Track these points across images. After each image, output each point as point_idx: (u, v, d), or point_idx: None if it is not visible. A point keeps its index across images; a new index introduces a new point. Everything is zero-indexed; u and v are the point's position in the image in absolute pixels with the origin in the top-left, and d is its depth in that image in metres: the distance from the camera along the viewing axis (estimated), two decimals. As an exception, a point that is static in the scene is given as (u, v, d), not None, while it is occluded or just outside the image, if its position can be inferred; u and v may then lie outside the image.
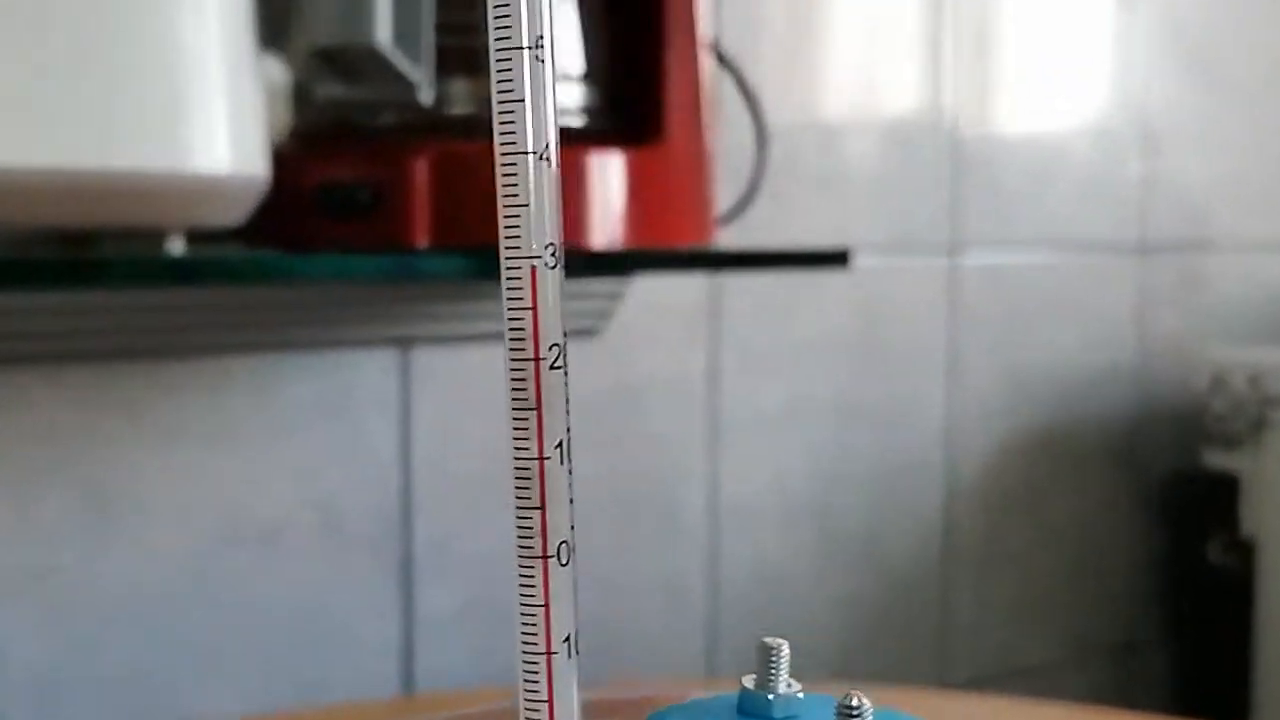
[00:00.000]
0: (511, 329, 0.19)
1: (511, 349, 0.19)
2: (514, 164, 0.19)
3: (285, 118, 0.62)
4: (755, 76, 0.83)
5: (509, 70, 0.20)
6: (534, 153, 0.20)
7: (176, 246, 0.56)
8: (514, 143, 0.19)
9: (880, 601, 0.99)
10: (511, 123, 0.19)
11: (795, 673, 0.22)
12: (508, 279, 0.18)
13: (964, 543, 1.03)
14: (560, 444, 0.19)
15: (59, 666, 0.69)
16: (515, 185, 0.19)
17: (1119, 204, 1.08)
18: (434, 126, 0.63)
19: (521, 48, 0.20)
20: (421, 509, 0.79)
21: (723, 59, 0.80)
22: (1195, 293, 1.14)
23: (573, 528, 0.20)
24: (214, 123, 0.54)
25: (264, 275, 0.61)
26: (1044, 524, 1.07)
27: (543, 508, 0.19)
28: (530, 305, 0.20)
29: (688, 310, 0.88)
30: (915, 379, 0.99)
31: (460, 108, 0.64)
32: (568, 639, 0.19)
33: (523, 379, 0.19)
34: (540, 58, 0.20)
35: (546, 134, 0.19)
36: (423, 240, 0.61)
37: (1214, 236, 1.15)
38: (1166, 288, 1.11)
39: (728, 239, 0.82)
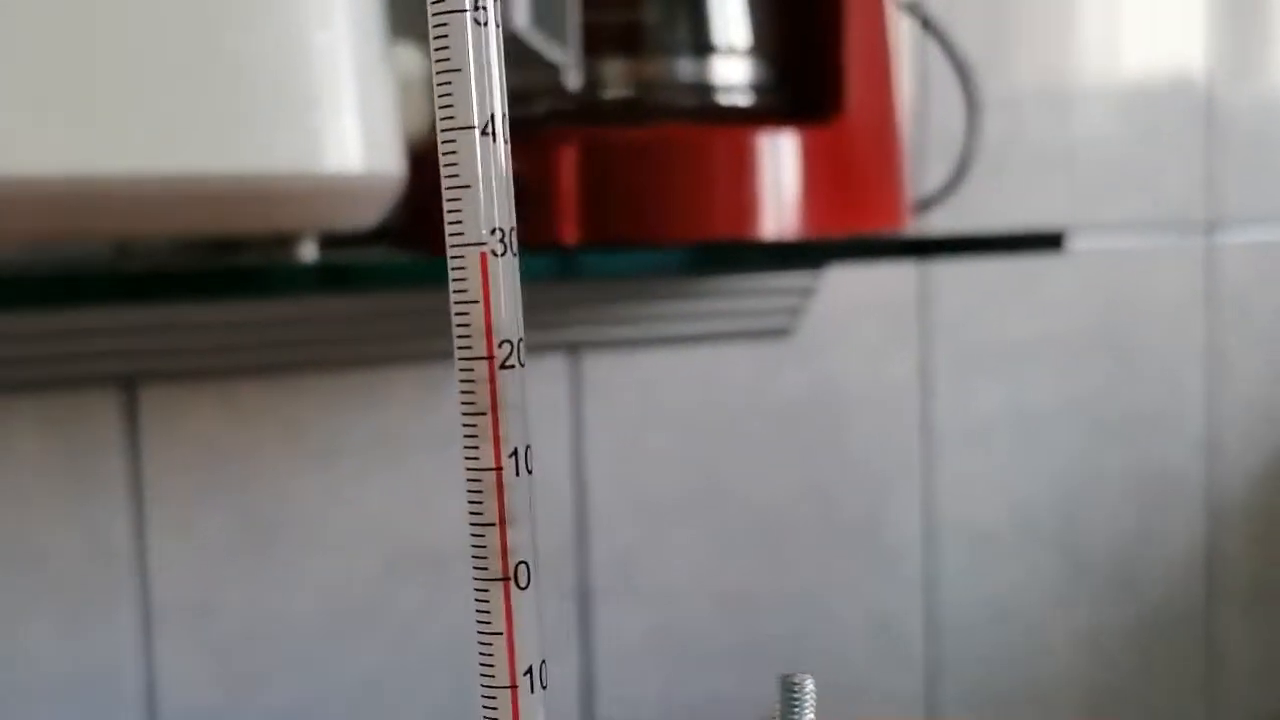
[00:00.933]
0: (458, 324, 0.18)
1: (459, 346, 0.18)
2: (453, 140, 0.18)
3: (422, 110, 0.63)
4: (966, 41, 0.80)
5: (445, 36, 0.19)
6: (476, 128, 0.19)
7: (308, 251, 0.57)
8: (453, 117, 0.18)
9: (1135, 638, 0.93)
10: (449, 94, 0.19)
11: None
12: (453, 268, 0.18)
13: (1231, 570, 0.96)
14: (515, 451, 0.18)
15: (215, 705, 0.71)
16: (456, 165, 0.18)
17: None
18: (584, 113, 0.62)
19: (461, 10, 0.19)
20: (598, 529, 0.79)
21: (926, 22, 0.77)
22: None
23: (542, 546, 0.19)
24: (344, 119, 0.55)
25: (419, 279, 0.62)
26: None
27: (500, 524, 0.18)
28: (478, 298, 0.19)
29: (893, 305, 0.86)
30: (1169, 380, 0.93)
31: (614, 91, 0.63)
32: (530, 670, 0.18)
33: (471, 379, 0.18)
34: (480, 20, 0.19)
35: (490, 105, 0.18)
36: (571, 237, 0.60)
37: None
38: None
39: (937, 224, 0.79)
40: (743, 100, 0.64)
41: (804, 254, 0.69)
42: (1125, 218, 0.91)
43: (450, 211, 0.18)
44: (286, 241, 0.58)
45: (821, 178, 0.64)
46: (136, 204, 0.53)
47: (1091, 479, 0.92)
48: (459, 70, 0.19)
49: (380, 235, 0.62)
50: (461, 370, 0.18)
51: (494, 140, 0.19)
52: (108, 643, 0.69)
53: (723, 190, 0.63)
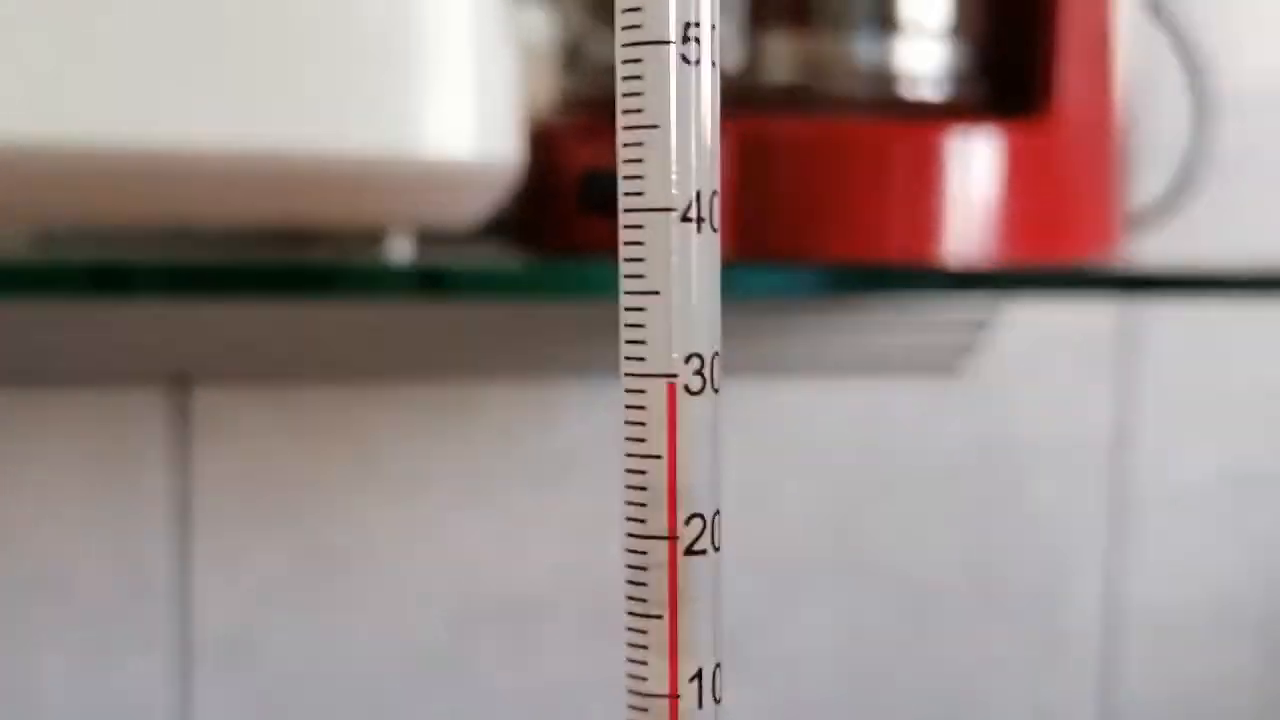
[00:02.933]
0: (630, 484, 0.15)
1: (629, 516, 0.15)
2: (639, 225, 0.15)
3: (551, 86, 0.61)
4: (1197, 29, 0.76)
5: (639, 78, 0.16)
6: (676, 211, 0.16)
7: (400, 249, 0.56)
8: (641, 193, 0.15)
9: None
10: (639, 160, 0.16)
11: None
12: (627, 405, 0.15)
13: None
14: (700, 674, 0.15)
15: (261, 756, 0.70)
16: (641, 261, 0.15)
17: None
18: (741, 98, 0.60)
19: (665, 41, 0.16)
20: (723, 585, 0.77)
21: (1156, 5, 0.74)
22: None
23: None
24: (453, 94, 0.53)
25: (530, 289, 0.61)
26: None
27: None
28: (661, 450, 0.15)
29: (1088, 346, 0.82)
30: None
31: (776, 75, 0.61)
32: None
33: (642, 566, 0.15)
34: (690, 57, 0.16)
35: (697, 180, 0.15)
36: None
37: None
38: None
39: (1149, 248, 0.76)
40: (931, 92, 0.62)
41: (995, 283, 0.66)
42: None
43: (628, 326, 0.15)
44: (374, 236, 0.56)
45: (1022, 189, 0.61)
46: (200, 183, 0.51)
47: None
48: (656, 128, 0.16)
49: (490, 231, 0.60)
50: (631, 552, 0.15)
51: (702, 228, 0.16)
52: (138, 681, 0.68)
53: (903, 200, 0.60)
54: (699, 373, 0.16)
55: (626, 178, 0.17)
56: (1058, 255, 0.63)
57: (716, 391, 0.17)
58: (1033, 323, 0.80)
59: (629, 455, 0.16)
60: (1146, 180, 0.75)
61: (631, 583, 0.15)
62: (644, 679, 0.16)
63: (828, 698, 0.80)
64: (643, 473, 0.16)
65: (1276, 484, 0.87)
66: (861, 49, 0.61)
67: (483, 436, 0.73)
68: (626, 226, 0.17)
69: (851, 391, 0.79)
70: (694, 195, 0.17)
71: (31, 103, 0.48)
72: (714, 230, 0.17)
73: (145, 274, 0.52)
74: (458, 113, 0.53)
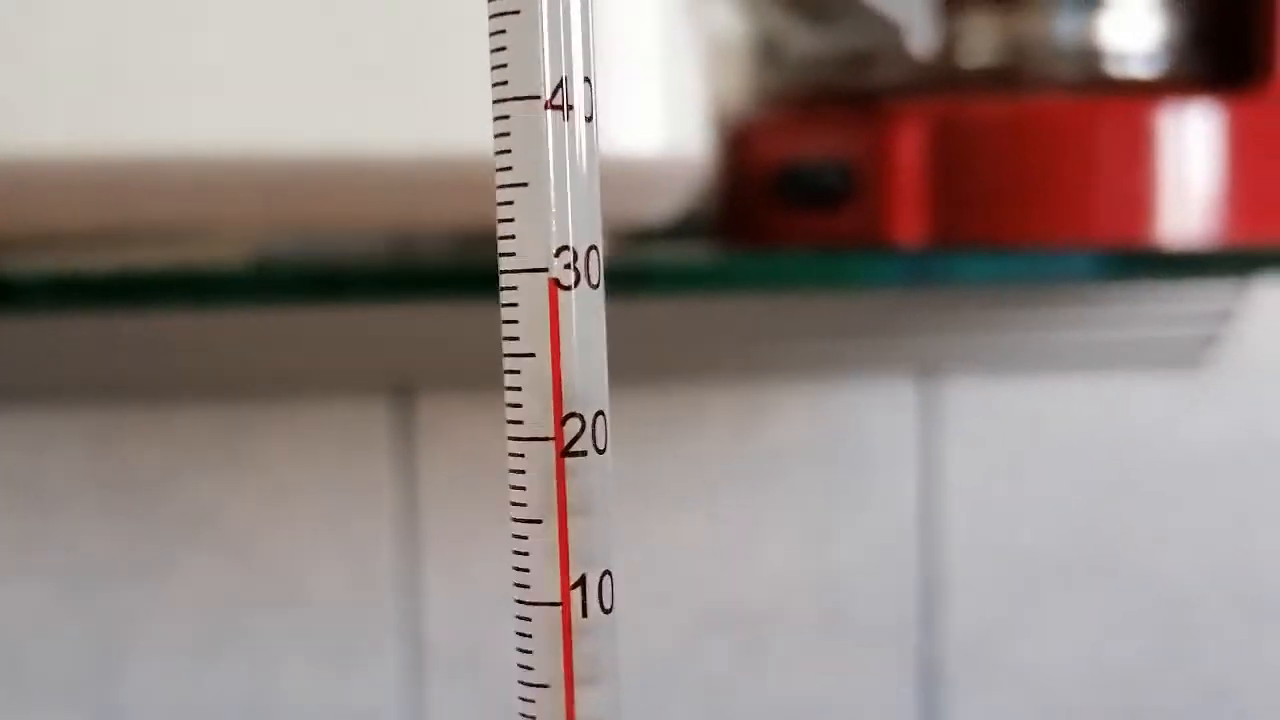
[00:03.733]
0: (508, 385, 0.17)
1: (509, 419, 0.16)
2: (505, 115, 0.17)
3: (739, 81, 0.64)
4: None
5: None
6: (543, 98, 0.17)
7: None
8: (505, 80, 0.17)
9: None
10: (503, 47, 0.17)
11: None
12: (503, 303, 0.16)
13: None
14: (583, 580, 0.14)
15: (490, 762, 0.75)
16: (508, 151, 0.17)
17: None
18: (937, 84, 0.62)
19: None
20: (955, 596, 0.79)
21: None
22: None
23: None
24: (638, 90, 0.57)
25: (727, 282, 0.64)
26: None
27: (565, 683, 0.14)
28: (537, 349, 0.16)
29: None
30: None
31: (977, 57, 0.63)
32: None
33: (522, 469, 0.16)
34: None
35: (566, 64, 0.17)
36: (912, 235, 0.60)
37: None
38: None
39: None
40: (1141, 70, 0.63)
41: (1236, 265, 0.66)
42: None
43: (501, 221, 0.17)
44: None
45: (1246, 165, 0.62)
46: (409, 187, 0.56)
47: None
48: (515, 12, 0.17)
49: (683, 230, 0.64)
50: (512, 455, 0.16)
51: (565, 116, 0.17)
52: (371, 688, 0.73)
53: (1114, 182, 0.61)
54: (570, 266, 0.18)
55: (494, 67, 0.19)
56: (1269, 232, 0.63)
57: (596, 288, 0.19)
58: (1283, 312, 0.80)
59: (506, 355, 0.18)
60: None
61: (513, 487, 0.17)
62: (527, 586, 0.17)
63: (1080, 708, 0.80)
64: (518, 371, 0.18)
65: None
66: (1065, 26, 0.63)
67: (705, 441, 0.76)
68: (496, 101, 0.19)
69: (1090, 388, 0.79)
70: (562, 79, 0.19)
71: (236, 115, 0.54)
72: (587, 120, 0.19)
73: (362, 279, 0.57)
74: (645, 109, 0.57)
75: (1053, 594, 0.80)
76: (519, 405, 0.18)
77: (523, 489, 0.16)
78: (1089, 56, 0.63)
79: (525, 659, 0.16)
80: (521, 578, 0.16)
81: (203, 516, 0.72)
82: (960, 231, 0.60)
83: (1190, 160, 0.61)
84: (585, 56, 0.18)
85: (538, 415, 0.17)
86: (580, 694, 0.16)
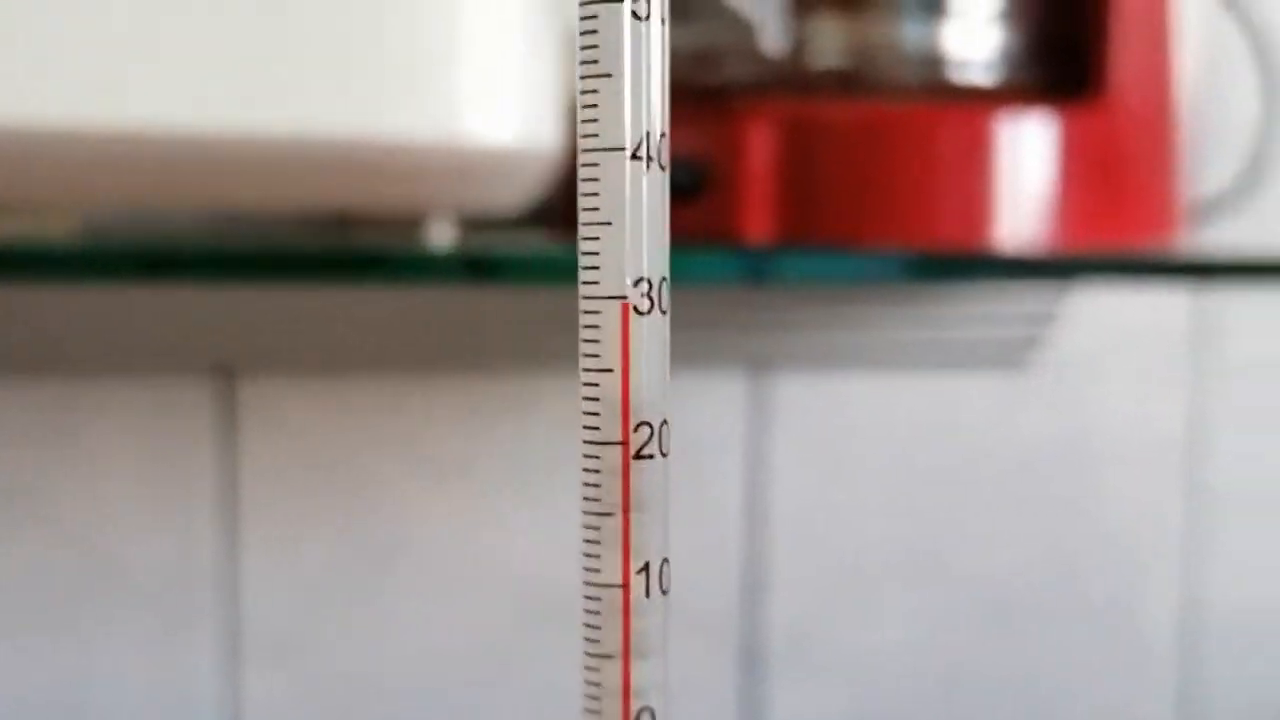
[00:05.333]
0: (586, 396, 0.20)
1: (586, 425, 0.20)
2: (595, 164, 0.20)
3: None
4: (1272, 16, 0.86)
5: (594, 33, 0.21)
6: (626, 150, 0.22)
7: (441, 234, 0.66)
8: (596, 135, 0.21)
9: None
10: (595, 105, 0.21)
11: None
12: (584, 325, 0.19)
13: None
14: (646, 567, 0.20)
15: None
16: (595, 194, 0.20)
17: None
18: (787, 83, 0.70)
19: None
20: (778, 588, 0.87)
21: (1229, -9, 0.83)
22: None
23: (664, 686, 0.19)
24: (497, 78, 0.62)
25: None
26: None
27: (623, 656, 0.19)
28: (614, 366, 0.20)
29: (1162, 340, 0.91)
30: None
31: (825, 59, 0.71)
32: None
33: (597, 469, 0.19)
34: (640, 13, 0.22)
35: (646, 122, 0.21)
36: (760, 232, 0.68)
37: None
38: None
39: (1221, 237, 0.85)
40: (982, 78, 0.72)
41: (1054, 270, 0.74)
42: None
43: (584, 253, 0.20)
44: (416, 222, 0.66)
45: (1077, 174, 0.71)
46: (244, 168, 0.60)
47: None
48: (607, 75, 0.21)
49: (532, 219, 0.70)
50: (587, 458, 0.19)
51: (648, 165, 0.21)
52: (188, 670, 0.79)
53: (954, 186, 0.69)
54: (648, 295, 0.21)
55: (584, 120, 0.22)
56: (1113, 242, 0.72)
57: (665, 314, 0.22)
58: (1103, 316, 0.89)
59: (585, 370, 0.21)
60: (1216, 170, 0.84)
61: (587, 484, 0.20)
62: (598, 570, 0.20)
63: (898, 701, 0.89)
64: (596, 385, 0.21)
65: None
66: (910, 33, 0.71)
67: (537, 428, 0.82)
68: (584, 164, 0.22)
69: (918, 386, 0.88)
70: (644, 135, 0.23)
71: (78, 89, 0.57)
72: (662, 169, 0.22)
73: (191, 258, 0.60)
74: (500, 99, 0.62)
75: (875, 588, 0.88)
76: (596, 414, 0.21)
77: (596, 486, 0.19)
78: (932, 63, 0.71)
79: (592, 633, 0.19)
80: (591, 563, 0.20)
81: (22, 492, 0.76)
82: (809, 230, 0.68)
83: (1025, 167, 0.70)
84: (662, 114, 0.22)
85: (610, 423, 0.20)
86: (635, 665, 0.19)
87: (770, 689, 0.87)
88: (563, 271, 0.67)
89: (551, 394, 0.82)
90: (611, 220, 0.21)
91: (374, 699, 0.81)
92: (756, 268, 0.67)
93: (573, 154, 0.66)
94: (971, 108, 0.70)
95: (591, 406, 0.19)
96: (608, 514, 0.18)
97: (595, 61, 0.21)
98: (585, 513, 0.18)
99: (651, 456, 0.19)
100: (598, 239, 0.21)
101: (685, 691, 0.86)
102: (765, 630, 0.86)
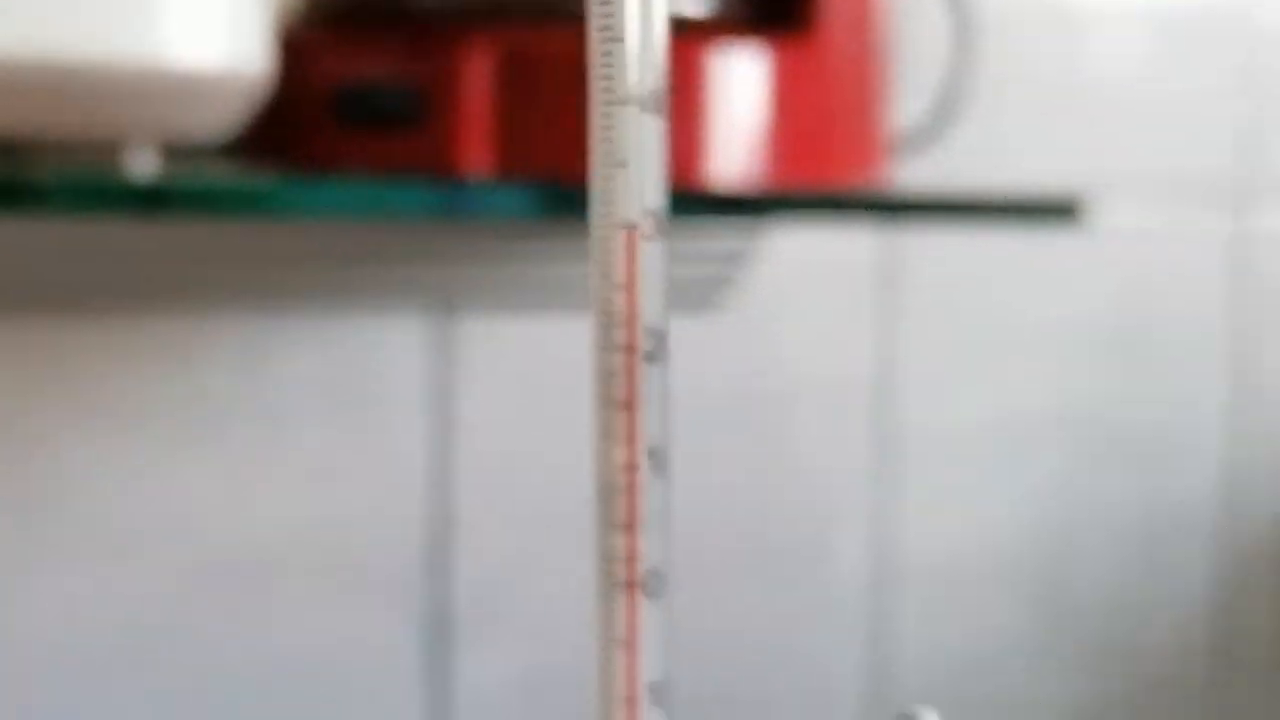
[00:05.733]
0: (600, 310, 0.22)
1: (599, 333, 0.22)
2: (609, 115, 0.22)
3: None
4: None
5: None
6: (636, 103, 0.23)
7: (146, 163, 0.63)
8: (611, 89, 0.22)
9: (1130, 709, 1.02)
10: (610, 64, 0.22)
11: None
12: (597, 249, 0.22)
13: (1249, 631, 1.06)
14: (655, 450, 0.22)
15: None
16: (611, 139, 0.22)
17: None
18: (501, 9, 0.69)
19: None
20: (463, 542, 0.86)
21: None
22: None
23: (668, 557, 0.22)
24: (199, 2, 0.60)
25: (254, 206, 0.68)
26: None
27: (630, 527, 0.22)
28: (623, 281, 0.23)
29: (850, 280, 0.94)
30: (1183, 394, 1.03)
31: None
32: (654, 686, 0.22)
33: (610, 371, 0.22)
34: None
35: (650, 79, 0.23)
36: (477, 165, 0.67)
37: None
38: None
39: (913, 176, 0.87)
40: (693, 8, 0.72)
41: (735, 208, 0.75)
42: (1142, 185, 1.00)
43: (601, 190, 0.22)
44: (114, 149, 0.63)
45: (785, 110, 0.72)
46: None
47: (1081, 511, 1.01)
48: (620, 41, 0.23)
49: (227, 147, 0.68)
50: (600, 360, 0.22)
51: (654, 115, 0.23)
52: None
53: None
54: (655, 224, 0.23)
55: (602, 75, 0.23)
56: (821, 179, 0.74)
57: (664, 241, 0.24)
58: (793, 255, 0.91)
59: (600, 287, 0.23)
60: (909, 105, 0.86)
61: (601, 385, 0.22)
62: (610, 455, 0.23)
63: (590, 653, 0.89)
64: (609, 298, 0.23)
65: (1050, 427, 0.99)
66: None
67: (205, 376, 0.80)
68: (602, 114, 0.24)
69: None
70: (651, 90, 0.23)
71: None
72: (665, 114, 0.23)
73: None
74: (204, 20, 0.61)
75: (565, 538, 0.88)
76: (607, 325, 0.22)
77: (608, 385, 0.22)
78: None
79: (605, 510, 0.24)
80: (602, 450, 0.23)
81: None
82: (527, 164, 0.67)
83: (734, 103, 0.71)
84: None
85: (618, 332, 0.22)
86: (640, 536, 0.23)
87: (457, 650, 0.86)
88: (245, 203, 0.64)
89: (223, 341, 0.80)
90: (626, 162, 0.21)
91: (27, 674, 0.78)
92: (442, 202, 0.65)
93: (280, 79, 0.65)
94: (682, 40, 0.70)
95: (606, 316, 0.21)
96: (619, 408, 0.21)
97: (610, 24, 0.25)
98: (599, 407, 0.21)
99: (658, 360, 0.21)
100: (612, 178, 0.22)
101: (367, 659, 0.84)
102: (452, 589, 0.86)
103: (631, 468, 0.21)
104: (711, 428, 0.91)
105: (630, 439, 0.21)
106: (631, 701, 0.21)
